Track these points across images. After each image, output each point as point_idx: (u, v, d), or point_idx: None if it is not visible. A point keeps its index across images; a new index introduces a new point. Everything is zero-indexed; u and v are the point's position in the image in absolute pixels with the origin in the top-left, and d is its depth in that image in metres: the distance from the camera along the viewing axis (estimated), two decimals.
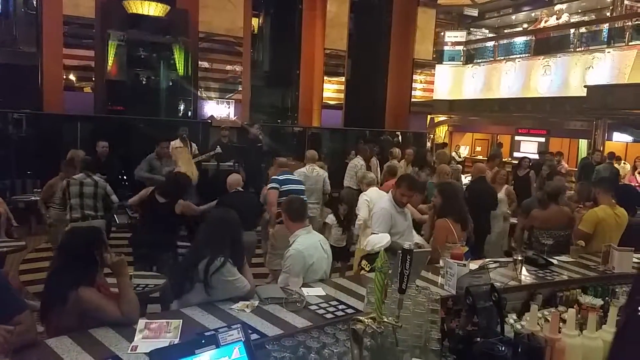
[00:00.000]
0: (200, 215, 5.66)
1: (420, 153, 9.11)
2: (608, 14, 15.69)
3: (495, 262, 3.79)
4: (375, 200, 5.20)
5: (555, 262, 3.91)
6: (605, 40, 13.04)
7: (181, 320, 2.50)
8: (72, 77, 11.19)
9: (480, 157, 17.55)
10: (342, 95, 14.57)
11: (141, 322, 2.45)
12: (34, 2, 11.76)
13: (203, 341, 1.75)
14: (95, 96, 11.38)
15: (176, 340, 2.32)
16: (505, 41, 16.48)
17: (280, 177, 6.02)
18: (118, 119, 11.30)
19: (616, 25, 13.00)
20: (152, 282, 4.48)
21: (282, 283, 3.30)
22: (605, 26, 13.29)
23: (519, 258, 3.51)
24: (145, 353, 2.14)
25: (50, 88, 11.03)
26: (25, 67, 11.30)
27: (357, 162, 9.09)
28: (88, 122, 10.70)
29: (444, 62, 17.22)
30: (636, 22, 12.39)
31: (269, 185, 6.07)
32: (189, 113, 12.65)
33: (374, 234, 4.48)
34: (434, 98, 16.46)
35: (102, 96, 11.64)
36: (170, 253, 5.46)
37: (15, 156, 9.57)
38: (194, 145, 9.41)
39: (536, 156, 13.14)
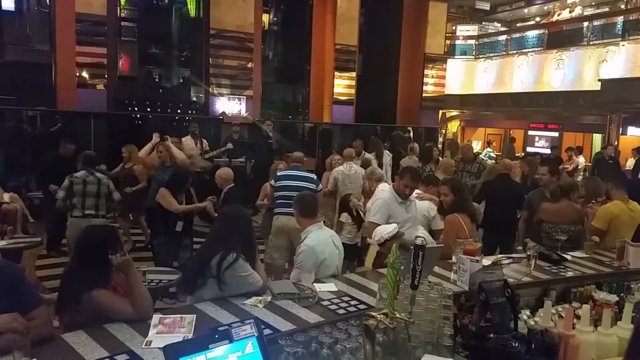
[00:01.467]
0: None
1: (427, 148, 9.03)
2: (622, 6, 15.46)
3: (508, 257, 3.77)
4: None
5: (569, 257, 3.88)
6: (620, 33, 12.85)
7: (195, 316, 2.51)
8: (85, 74, 11.30)
9: (493, 153, 17.41)
10: (353, 91, 14.56)
11: (155, 318, 2.47)
12: (47, 0, 11.86)
13: (216, 336, 1.76)
14: (108, 93, 11.48)
15: (190, 335, 2.34)
16: (517, 35, 16.30)
17: (279, 173, 5.95)
18: (130, 116, 11.39)
19: (631, 18, 12.80)
20: (166, 278, 4.52)
21: (294, 279, 3.32)
22: (620, 19, 13.09)
23: (533, 254, 3.49)
24: (159, 348, 2.16)
25: (64, 85, 11.15)
26: (38, 65, 11.43)
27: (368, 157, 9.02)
28: (101, 118, 10.79)
29: (455, 57, 17.08)
30: None
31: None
32: (196, 104, 12.62)
33: (371, 222, 4.47)
34: (446, 93, 16.37)
35: (115, 93, 11.74)
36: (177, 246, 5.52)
37: (31, 153, 9.69)
38: (205, 141, 9.46)
39: (548, 151, 13.06)
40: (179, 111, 12.36)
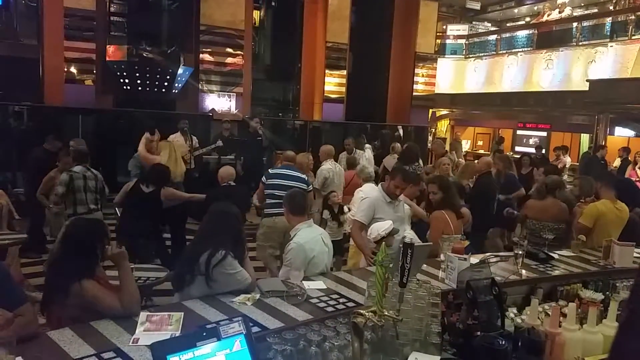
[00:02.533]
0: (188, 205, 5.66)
1: (412, 148, 8.96)
2: (611, 7, 15.61)
3: (496, 256, 3.79)
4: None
5: (556, 256, 3.91)
6: (608, 34, 12.98)
7: (182, 313, 2.50)
8: (73, 69, 11.19)
9: (482, 152, 17.52)
10: (343, 89, 14.56)
11: (142, 315, 2.45)
12: None
13: (204, 334, 1.76)
14: (96, 88, 11.37)
15: (177, 333, 2.33)
16: (507, 35, 16.40)
17: (270, 171, 5.99)
18: (119, 112, 11.30)
19: (619, 19, 12.93)
20: (154, 275, 4.49)
21: (283, 276, 3.31)
22: (608, 20, 13.22)
23: (520, 252, 3.51)
24: (146, 345, 2.15)
25: (51, 80, 11.03)
26: (26, 60, 11.29)
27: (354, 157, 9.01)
28: (89, 114, 10.69)
29: (446, 56, 17.15)
30: None
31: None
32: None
33: (355, 220, 4.47)
34: (436, 92, 16.42)
35: (104, 88, 11.61)
36: (157, 243, 5.49)
37: (17, 149, 9.58)
38: (194, 138, 9.41)
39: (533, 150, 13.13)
40: (161, 88, 12.09)
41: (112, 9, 12.03)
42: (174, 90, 12.11)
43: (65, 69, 11.08)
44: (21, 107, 10.14)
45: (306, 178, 5.89)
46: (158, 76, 11.90)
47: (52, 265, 2.79)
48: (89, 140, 8.29)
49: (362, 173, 6.31)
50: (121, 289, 2.57)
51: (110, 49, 11.53)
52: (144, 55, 11.63)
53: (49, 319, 2.65)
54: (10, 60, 11.12)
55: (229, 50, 12.49)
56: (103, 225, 2.97)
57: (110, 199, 6.57)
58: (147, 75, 11.74)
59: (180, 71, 11.97)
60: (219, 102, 12.46)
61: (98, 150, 7.62)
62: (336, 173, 7.02)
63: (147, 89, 11.73)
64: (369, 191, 5.03)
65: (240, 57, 12.67)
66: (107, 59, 11.46)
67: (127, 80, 11.64)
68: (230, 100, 12.59)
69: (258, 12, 14.76)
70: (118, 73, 11.53)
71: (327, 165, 7.04)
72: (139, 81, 11.65)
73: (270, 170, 5.99)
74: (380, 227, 3.99)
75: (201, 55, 12.27)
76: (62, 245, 2.83)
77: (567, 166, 11.95)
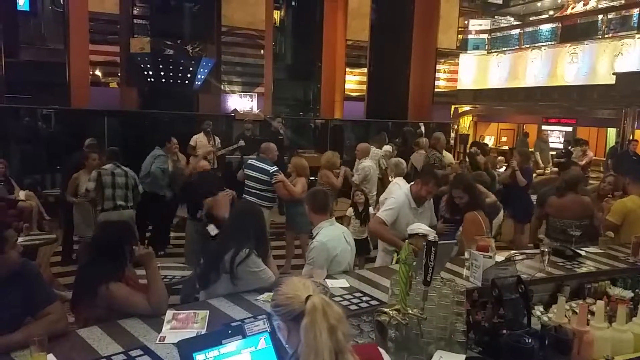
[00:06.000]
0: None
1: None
2: None
3: (521, 253, 3.74)
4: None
5: (583, 253, 3.84)
6: (635, 25, 12.65)
7: (208, 311, 2.53)
8: (98, 72, 11.39)
9: (505, 148, 17.25)
10: (364, 87, 14.51)
11: (169, 313, 2.49)
12: (61, 0, 11.97)
13: (230, 331, 1.77)
14: (121, 90, 11.55)
15: (203, 331, 2.36)
16: (530, 29, 16.13)
17: (247, 162, 6.28)
18: (143, 114, 11.46)
19: None
20: (179, 274, 4.55)
21: (306, 275, 3.32)
22: (636, 11, 12.87)
23: (546, 249, 3.46)
24: (173, 343, 2.18)
25: (78, 84, 11.26)
26: (53, 64, 11.54)
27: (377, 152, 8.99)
28: (115, 116, 10.87)
29: (468, 51, 16.95)
30: None
31: None
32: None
33: (378, 217, 4.41)
34: (458, 88, 16.23)
35: (128, 90, 11.79)
36: None
37: (46, 151, 9.80)
38: (217, 138, 9.50)
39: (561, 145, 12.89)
40: (184, 80, 12.27)
41: (135, 12, 12.21)
42: (196, 82, 12.22)
43: (91, 72, 11.29)
44: (49, 110, 10.36)
45: (271, 170, 5.88)
46: (181, 68, 12.05)
47: (81, 267, 2.85)
48: (114, 141, 8.47)
49: (398, 168, 6.19)
50: (149, 289, 2.61)
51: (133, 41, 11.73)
52: (167, 50, 11.82)
53: (77, 318, 2.71)
54: (38, 64, 11.38)
55: (250, 50, 12.57)
56: (130, 227, 3.02)
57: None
58: (170, 67, 11.89)
59: (202, 62, 12.09)
60: (240, 103, 12.55)
61: (123, 151, 7.70)
62: (375, 170, 7.11)
63: (171, 80, 11.88)
64: (400, 191, 4.82)
65: (261, 57, 12.74)
66: (131, 51, 11.61)
67: (150, 73, 11.80)
68: (251, 100, 12.67)
69: (278, 12, 14.84)
70: (142, 65, 11.69)
71: (367, 162, 7.10)
72: (162, 73, 11.81)
73: (248, 162, 6.26)
74: (421, 227, 3.91)
75: (223, 56, 12.37)
76: (91, 248, 2.89)
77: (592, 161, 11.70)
